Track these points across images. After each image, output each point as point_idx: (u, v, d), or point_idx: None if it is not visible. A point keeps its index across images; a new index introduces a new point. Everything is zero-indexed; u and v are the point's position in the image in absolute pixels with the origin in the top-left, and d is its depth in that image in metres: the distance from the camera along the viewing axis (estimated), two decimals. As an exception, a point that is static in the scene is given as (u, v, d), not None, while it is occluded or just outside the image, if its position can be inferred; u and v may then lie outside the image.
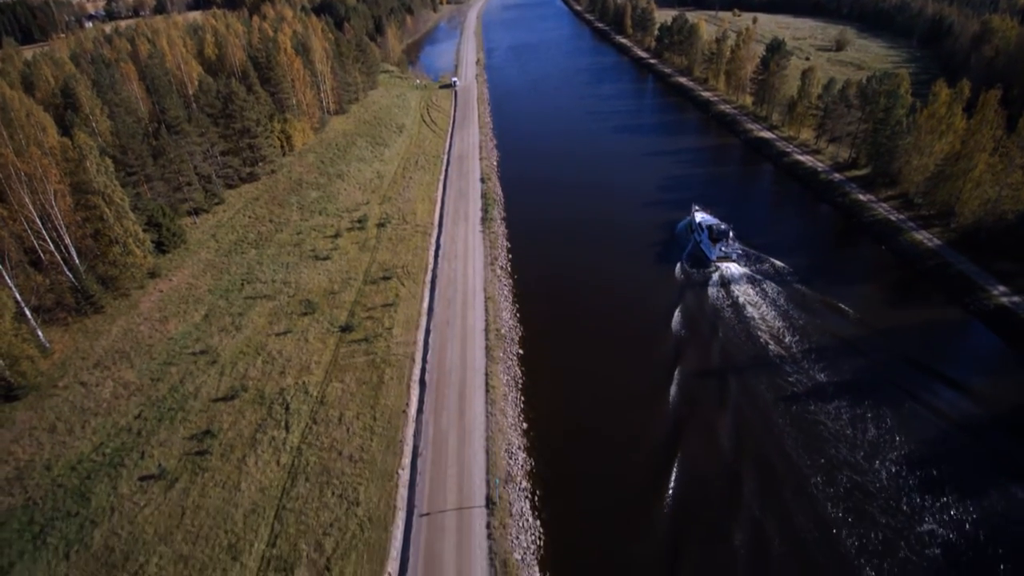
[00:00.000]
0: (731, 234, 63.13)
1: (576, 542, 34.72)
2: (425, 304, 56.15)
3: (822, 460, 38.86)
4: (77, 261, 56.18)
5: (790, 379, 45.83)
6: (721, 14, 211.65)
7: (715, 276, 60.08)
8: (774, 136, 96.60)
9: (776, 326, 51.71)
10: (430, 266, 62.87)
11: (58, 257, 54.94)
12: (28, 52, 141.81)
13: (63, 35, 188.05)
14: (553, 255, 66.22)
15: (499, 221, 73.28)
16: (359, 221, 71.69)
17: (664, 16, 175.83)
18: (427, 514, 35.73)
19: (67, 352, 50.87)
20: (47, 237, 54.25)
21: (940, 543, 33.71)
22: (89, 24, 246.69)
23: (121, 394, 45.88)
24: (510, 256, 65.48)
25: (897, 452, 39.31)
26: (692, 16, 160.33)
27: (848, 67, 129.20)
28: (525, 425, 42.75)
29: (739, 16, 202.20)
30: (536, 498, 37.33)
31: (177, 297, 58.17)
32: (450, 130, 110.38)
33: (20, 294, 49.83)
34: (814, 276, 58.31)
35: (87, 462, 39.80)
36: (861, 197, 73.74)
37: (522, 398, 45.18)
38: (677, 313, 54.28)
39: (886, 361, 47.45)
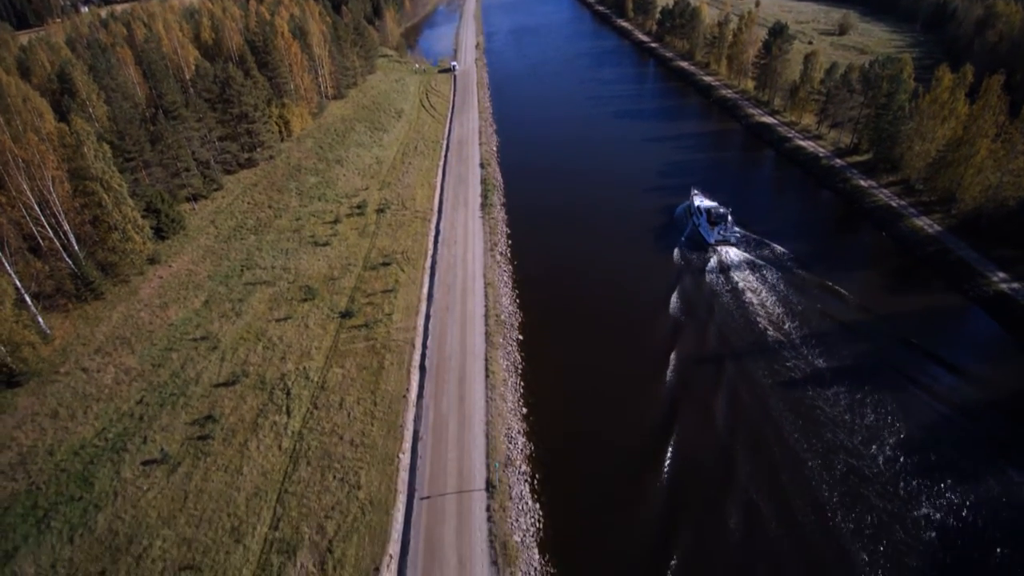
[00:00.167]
0: (730, 217, 62.96)
1: (575, 524, 35.09)
2: (425, 290, 56.21)
3: (819, 444, 39.17)
4: (76, 248, 56.12)
5: (788, 364, 46.06)
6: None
7: (713, 260, 60.12)
8: (776, 121, 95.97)
9: (774, 311, 51.78)
10: (430, 252, 62.83)
11: (57, 244, 54.86)
12: (24, 37, 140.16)
13: (59, 20, 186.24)
14: (553, 241, 66.15)
15: (499, 207, 73.08)
16: (358, 207, 71.49)
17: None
18: (428, 497, 36.09)
19: (68, 338, 51.01)
20: (46, 224, 54.14)
21: (936, 527, 34.07)
22: (85, 8, 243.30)
23: (122, 380, 46.10)
24: (510, 242, 65.40)
25: (895, 436, 39.60)
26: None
27: (851, 51, 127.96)
28: (525, 410, 43.02)
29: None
30: (536, 481, 37.69)
31: (177, 283, 58.19)
32: (449, 115, 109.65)
33: (20, 281, 49.85)
34: (814, 262, 58.35)
35: (90, 447, 40.11)
36: (862, 183, 73.47)
37: (522, 383, 45.41)
38: (675, 297, 54.51)
39: (885, 346, 47.64)
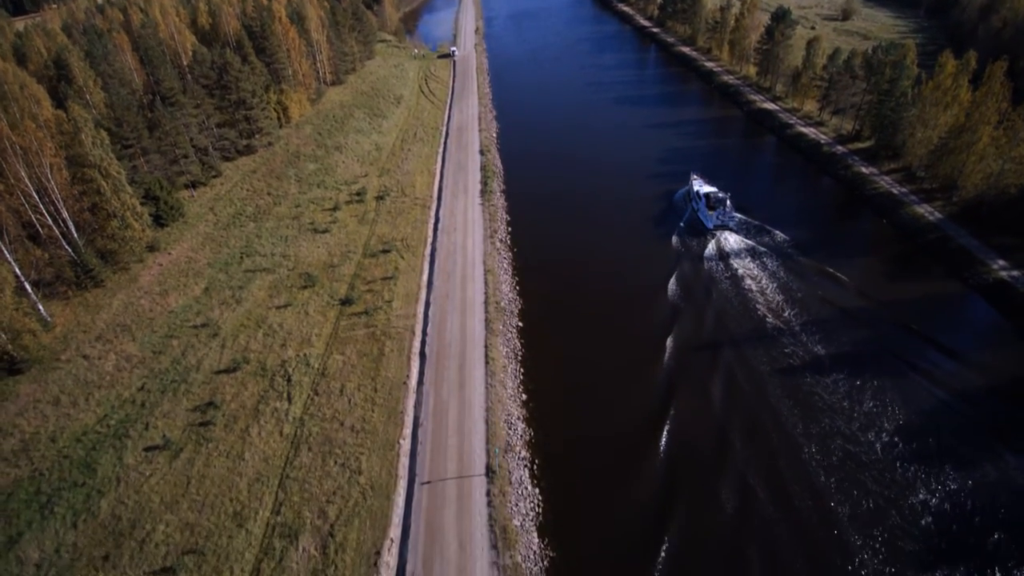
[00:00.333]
0: (728, 202, 62.82)
1: (574, 509, 35.40)
2: (425, 277, 56.22)
3: (817, 429, 39.43)
4: (76, 235, 56.03)
5: (786, 350, 46.23)
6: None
7: (711, 245, 60.11)
8: (777, 108, 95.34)
9: (774, 298, 51.84)
10: (429, 239, 62.76)
11: (56, 231, 54.76)
12: (20, 23, 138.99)
13: (55, 5, 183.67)
14: (552, 228, 66.04)
15: (499, 194, 72.87)
16: (358, 194, 71.28)
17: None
18: (428, 482, 36.39)
19: (69, 326, 51.12)
20: (44, 211, 54.00)
21: (933, 512, 34.36)
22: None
23: (124, 367, 46.27)
24: (510, 229, 65.30)
25: (893, 422, 39.84)
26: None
27: (854, 37, 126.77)
28: (524, 396, 43.24)
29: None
30: (535, 467, 37.99)
31: (177, 271, 58.19)
32: (449, 101, 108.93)
33: (19, 268, 49.83)
34: (814, 248, 58.36)
35: (92, 433, 40.36)
36: (863, 170, 73.17)
37: (521, 370, 45.60)
38: (672, 283, 54.66)
39: (885, 333, 47.77)
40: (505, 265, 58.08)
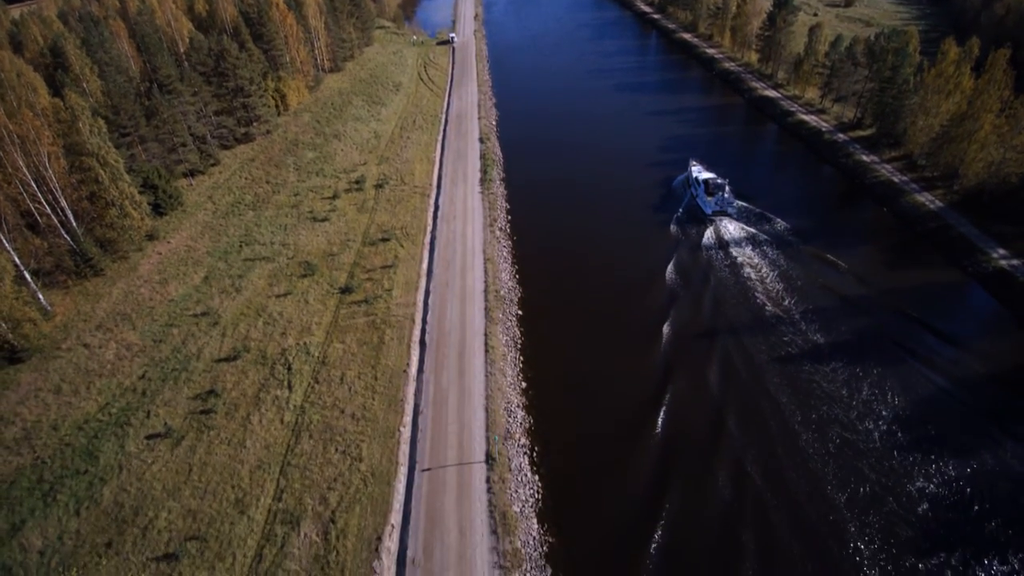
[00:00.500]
0: (727, 188, 62.68)
1: (573, 495, 35.71)
2: (424, 265, 56.21)
3: (815, 416, 39.67)
4: (74, 224, 55.90)
5: (785, 339, 46.37)
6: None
7: (710, 232, 60.09)
8: (779, 95, 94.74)
9: (773, 287, 51.90)
10: (429, 227, 62.66)
11: (55, 220, 54.61)
12: (16, 11, 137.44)
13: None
14: (552, 216, 65.92)
15: (498, 182, 72.64)
16: (357, 182, 71.04)
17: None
18: (428, 469, 36.66)
19: (69, 315, 51.17)
20: (43, 200, 53.82)
21: (930, 498, 34.65)
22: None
23: (124, 355, 46.39)
24: (509, 217, 65.18)
25: (891, 409, 40.08)
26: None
27: (856, 23, 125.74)
28: (524, 384, 43.42)
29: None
30: (535, 454, 38.25)
31: (176, 259, 58.14)
32: (448, 88, 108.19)
33: (19, 257, 49.79)
34: (814, 237, 58.37)
35: (93, 422, 40.57)
36: (865, 158, 72.89)
37: (521, 358, 45.75)
38: (671, 269, 54.84)
39: (884, 321, 47.86)
40: (505, 253, 58.04)
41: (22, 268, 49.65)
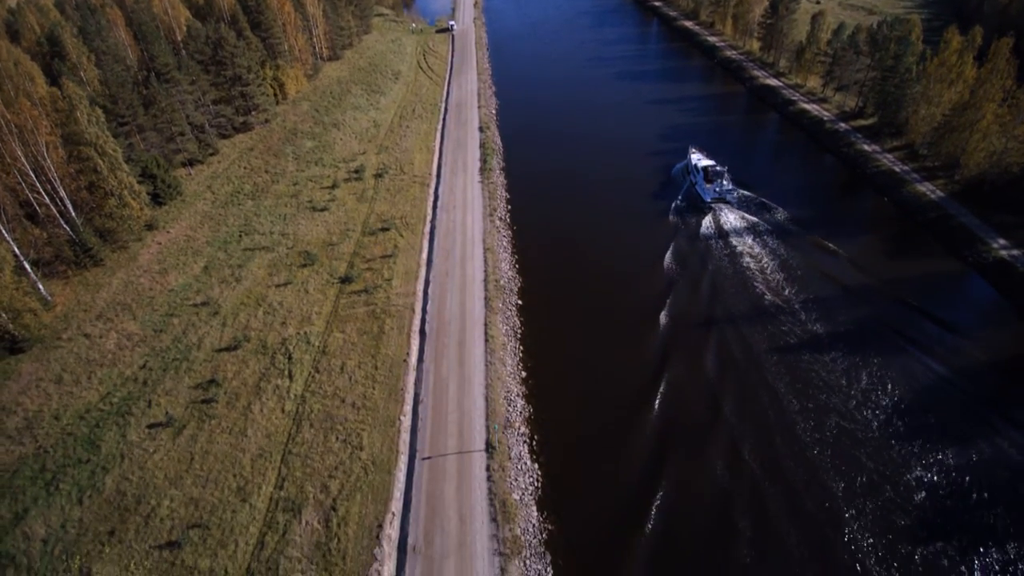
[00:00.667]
0: (727, 175, 62.54)
1: (573, 483, 35.95)
2: (424, 255, 56.18)
3: (813, 405, 39.86)
4: (73, 214, 55.79)
5: (783, 327, 46.47)
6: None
7: (709, 220, 60.05)
8: (780, 84, 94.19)
9: (773, 277, 51.92)
10: (429, 217, 62.55)
11: (54, 210, 54.49)
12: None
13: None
14: (552, 206, 65.78)
15: (498, 171, 72.40)
16: (356, 171, 70.81)
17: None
18: (429, 458, 36.89)
19: (69, 305, 51.22)
20: (41, 190, 53.67)
21: (927, 487, 34.89)
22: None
23: (125, 345, 46.49)
24: (509, 207, 65.06)
25: (890, 397, 40.26)
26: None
27: (859, 11, 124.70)
28: (524, 374, 43.58)
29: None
30: (534, 442, 38.46)
31: (176, 249, 58.09)
32: (447, 77, 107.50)
33: (18, 248, 49.69)
34: (815, 226, 58.29)
35: (95, 411, 40.74)
36: (866, 148, 72.61)
37: (521, 347, 45.87)
38: (669, 257, 55.07)
39: (884, 310, 47.91)
40: (504, 243, 57.99)
41: (22, 258, 49.61)
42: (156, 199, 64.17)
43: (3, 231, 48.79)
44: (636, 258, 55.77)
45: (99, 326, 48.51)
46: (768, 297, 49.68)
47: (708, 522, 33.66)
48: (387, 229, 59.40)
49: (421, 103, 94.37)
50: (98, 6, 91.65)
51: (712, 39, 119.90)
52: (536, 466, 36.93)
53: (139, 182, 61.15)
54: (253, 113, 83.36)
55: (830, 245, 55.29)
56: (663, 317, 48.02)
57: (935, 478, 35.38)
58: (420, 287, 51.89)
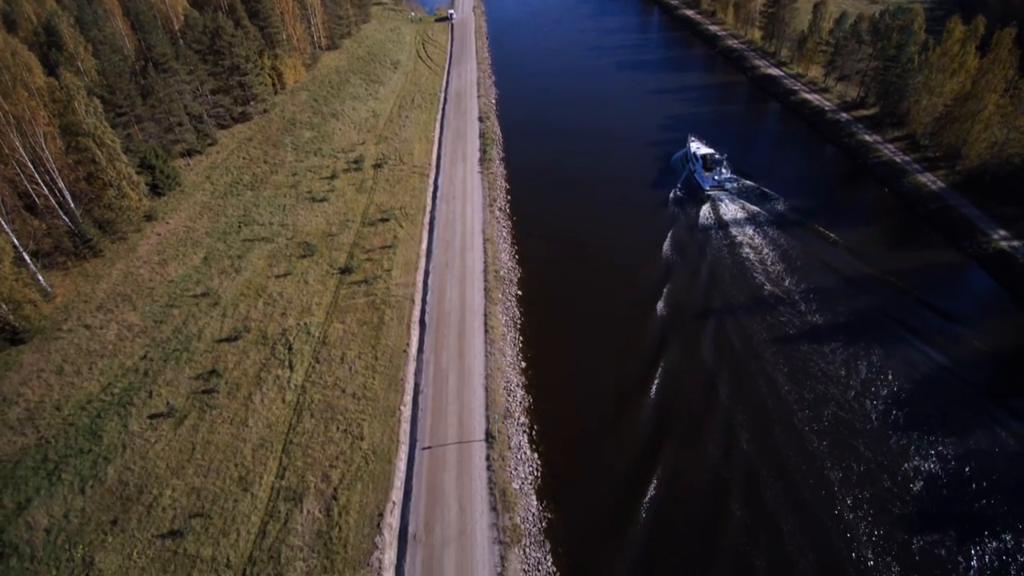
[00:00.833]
0: (726, 163, 62.39)
1: (572, 472, 36.14)
2: (424, 246, 56.13)
3: (811, 396, 39.99)
4: (72, 205, 55.64)
5: (782, 318, 46.55)
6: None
7: (707, 209, 59.98)
8: (782, 73, 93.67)
9: (773, 268, 51.90)
10: (428, 207, 62.43)
11: (53, 201, 54.36)
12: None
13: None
14: (551, 196, 65.65)
15: (498, 162, 72.17)
16: (355, 162, 70.58)
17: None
18: (429, 447, 37.07)
19: (69, 296, 51.24)
20: (40, 181, 53.49)
21: (924, 477, 35.07)
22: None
23: (126, 336, 46.57)
24: (509, 197, 64.93)
25: (889, 387, 40.39)
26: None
27: (862, 1, 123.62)
28: (523, 364, 43.69)
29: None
30: (534, 432, 38.63)
31: (175, 240, 58.03)
32: (447, 66, 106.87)
33: (17, 239, 49.62)
34: (814, 216, 58.22)
35: (96, 402, 40.88)
36: (867, 138, 72.33)
37: (520, 338, 45.95)
38: (667, 245, 55.21)
39: (883, 301, 47.93)
40: (504, 234, 57.93)
41: (21, 250, 49.56)
42: (155, 190, 64.01)
43: (2, 222, 48.68)
44: (635, 248, 55.73)
45: (99, 317, 48.57)
46: (767, 287, 49.70)
47: (706, 511, 33.85)
48: (387, 219, 59.32)
49: (420, 93, 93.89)
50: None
51: (713, 28, 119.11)
52: (536, 455, 37.12)
53: (138, 173, 60.98)
54: (252, 103, 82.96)
55: (830, 235, 55.32)
56: (663, 307, 48.06)
57: (933, 467, 35.57)
58: (420, 277, 51.90)
